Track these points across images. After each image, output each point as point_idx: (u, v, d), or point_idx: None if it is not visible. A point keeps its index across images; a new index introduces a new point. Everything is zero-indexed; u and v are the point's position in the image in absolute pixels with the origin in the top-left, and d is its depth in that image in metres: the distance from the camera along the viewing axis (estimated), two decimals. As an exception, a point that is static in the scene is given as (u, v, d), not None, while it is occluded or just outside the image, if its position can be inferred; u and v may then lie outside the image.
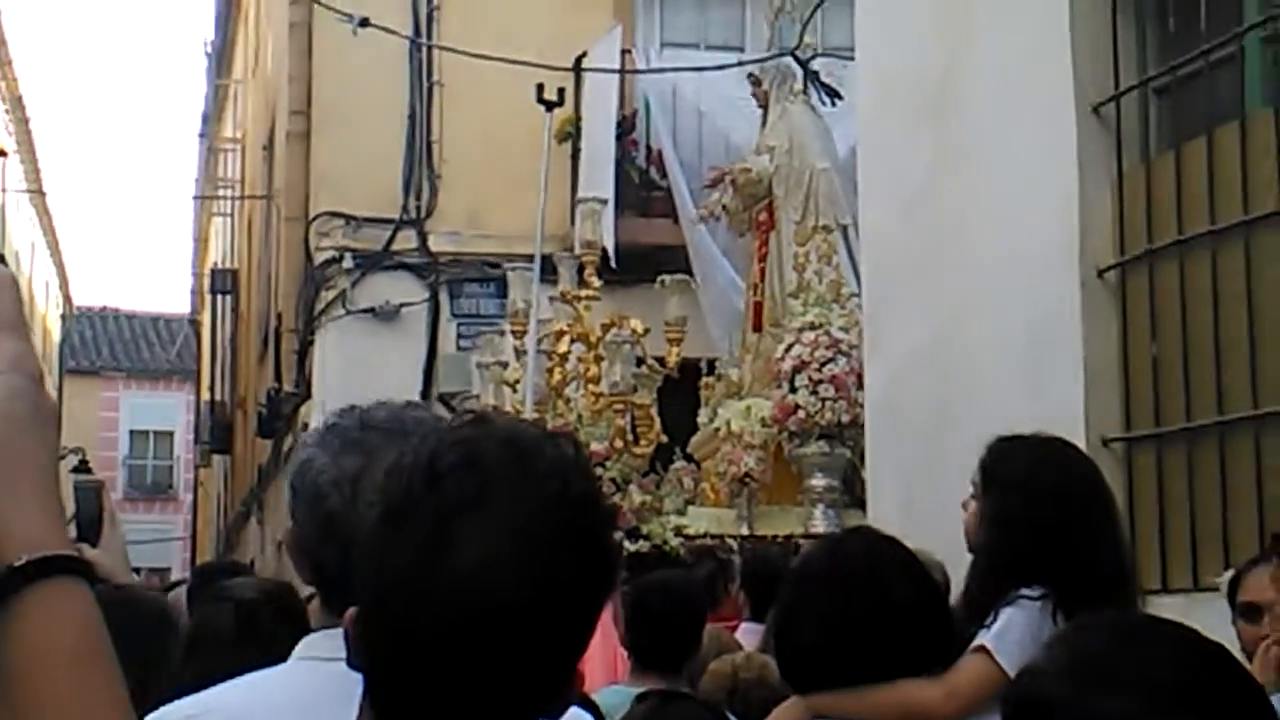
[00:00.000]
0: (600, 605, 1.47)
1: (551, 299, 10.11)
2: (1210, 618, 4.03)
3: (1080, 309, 5.56)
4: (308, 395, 14.36)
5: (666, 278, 9.99)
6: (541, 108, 10.36)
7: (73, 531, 4.30)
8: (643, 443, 9.79)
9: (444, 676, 1.40)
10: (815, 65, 10.47)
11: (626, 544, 9.27)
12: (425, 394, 13.58)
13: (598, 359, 9.87)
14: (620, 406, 9.67)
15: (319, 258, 14.08)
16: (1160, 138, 5.55)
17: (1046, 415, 5.64)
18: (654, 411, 9.82)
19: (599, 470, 9.54)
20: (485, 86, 12.88)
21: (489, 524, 1.39)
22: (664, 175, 12.88)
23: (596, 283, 10.13)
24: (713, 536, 9.35)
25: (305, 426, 14.15)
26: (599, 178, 12.41)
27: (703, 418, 10.27)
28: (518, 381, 10.31)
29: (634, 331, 9.72)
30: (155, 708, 1.99)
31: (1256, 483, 4.90)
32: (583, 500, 1.45)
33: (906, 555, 3.33)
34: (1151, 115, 5.57)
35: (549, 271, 10.15)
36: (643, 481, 9.72)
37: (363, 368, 13.38)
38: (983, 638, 3.31)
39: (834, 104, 10.23)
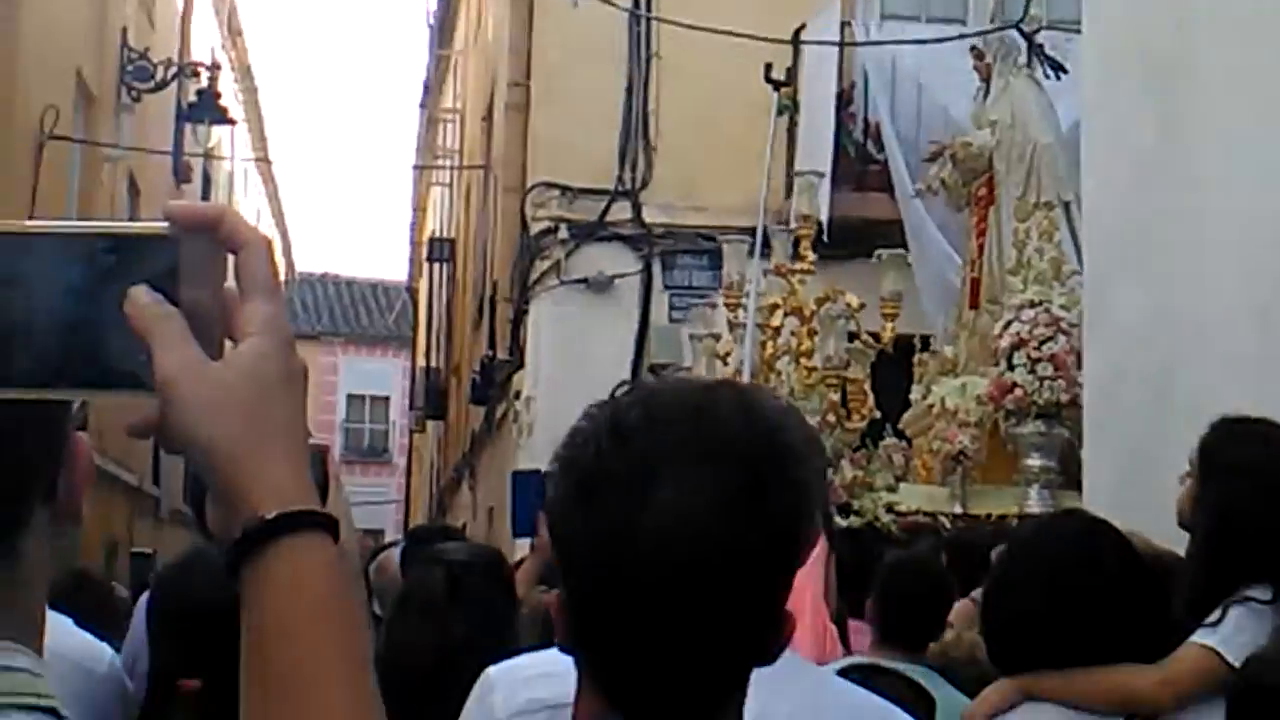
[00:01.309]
0: (802, 537, 1.47)
1: (766, 272, 10.09)
2: None
3: (1318, 279, 5.40)
4: (521, 364, 14.55)
5: (883, 252, 9.89)
6: (761, 82, 10.34)
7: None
8: (855, 418, 9.73)
9: (659, 633, 1.42)
10: (1040, 38, 10.28)
11: (838, 519, 9.23)
12: (636, 365, 13.67)
13: (811, 333, 9.82)
14: (833, 381, 9.62)
15: (535, 228, 14.24)
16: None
17: (1276, 399, 5.50)
18: (867, 386, 9.75)
19: None
20: (703, 59, 12.89)
21: (681, 483, 1.40)
22: (881, 149, 12.77)
23: (811, 256, 10.08)
24: (925, 514, 9.28)
25: (518, 395, 14.36)
26: (817, 151, 12.34)
27: (916, 394, 10.16)
28: (729, 354, 10.32)
29: (848, 306, 9.65)
30: None
31: None
32: (768, 432, 1.46)
33: (1119, 537, 3.28)
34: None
35: (763, 246, 10.13)
36: (855, 456, 9.67)
37: (576, 337, 13.52)
38: (1207, 637, 3.20)
39: (1059, 78, 10.03)
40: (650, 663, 1.43)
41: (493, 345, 16.42)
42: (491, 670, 2.02)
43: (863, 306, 9.75)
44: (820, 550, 6.55)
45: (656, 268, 13.97)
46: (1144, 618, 3.16)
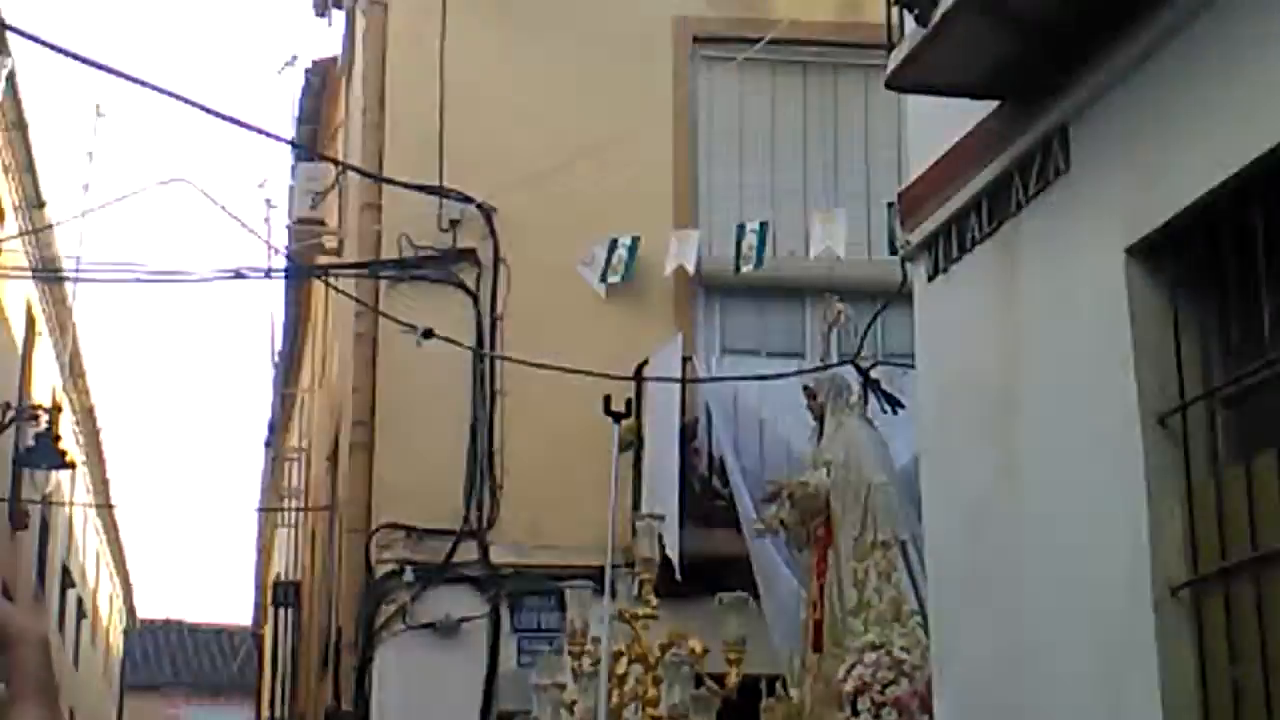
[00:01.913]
0: None
1: (611, 618, 9.94)
2: None
3: (1155, 629, 5.34)
4: (365, 714, 14.07)
5: (725, 595, 9.80)
6: (605, 417, 10.33)
7: None
8: None
9: None
10: (875, 374, 10.43)
11: None
12: (485, 713, 13.30)
13: (656, 680, 9.64)
14: None
15: (380, 570, 13.94)
16: (1229, 449, 5.39)
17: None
18: None
19: None
20: (547, 395, 12.91)
21: None
22: (727, 484, 12.77)
23: (654, 601, 9.95)
24: None
25: (363, 748, 13.85)
26: (663, 489, 12.31)
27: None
28: (574, 703, 10.07)
29: (692, 651, 9.51)
30: None
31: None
32: None
33: None
34: (1219, 426, 5.42)
35: (611, 587, 9.98)
36: None
37: (422, 685, 13.14)
38: None
39: (895, 412, 10.15)
40: None
41: (338, 695, 15.92)
42: None
43: (706, 651, 9.61)
44: None
45: (504, 610, 13.70)
46: None
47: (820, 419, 10.20)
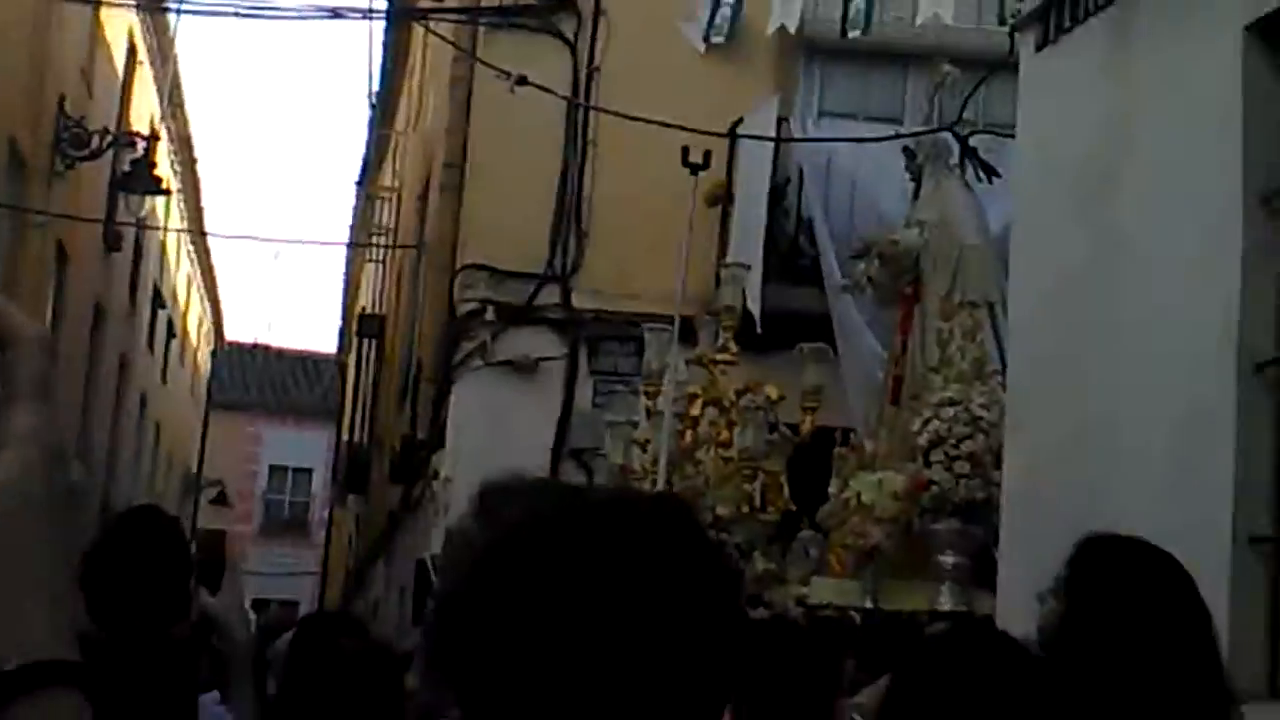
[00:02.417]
0: (733, 670, 1.37)
1: (688, 361, 10.05)
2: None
3: (1235, 404, 5.38)
4: (441, 444, 14.40)
5: (805, 346, 9.86)
6: (697, 171, 10.33)
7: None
8: (770, 510, 9.66)
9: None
10: (974, 142, 10.34)
11: (750, 613, 9.14)
12: (557, 449, 13.57)
13: (730, 423, 9.78)
14: (749, 472, 9.56)
15: (462, 309, 14.14)
16: (1329, 233, 5.36)
17: (1193, 509, 5.47)
18: (783, 479, 9.69)
19: (723, 536, 9.45)
20: (639, 149, 12.89)
21: (602, 608, 1.30)
22: (813, 244, 12.78)
23: (734, 348, 10.05)
24: (836, 608, 9.20)
25: (436, 474, 14.21)
26: (748, 245, 12.34)
27: (834, 488, 10.11)
28: (648, 441, 10.26)
29: (768, 397, 9.62)
30: None
31: None
32: (704, 563, 1.35)
33: (1020, 655, 3.19)
34: (1321, 210, 5.39)
35: (689, 335, 10.09)
36: (768, 549, 9.59)
37: (497, 420, 13.39)
38: None
39: (991, 181, 10.08)
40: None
41: (414, 424, 16.27)
42: None
43: (783, 399, 9.71)
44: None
45: (582, 353, 13.90)
46: None
47: (918, 180, 10.15)
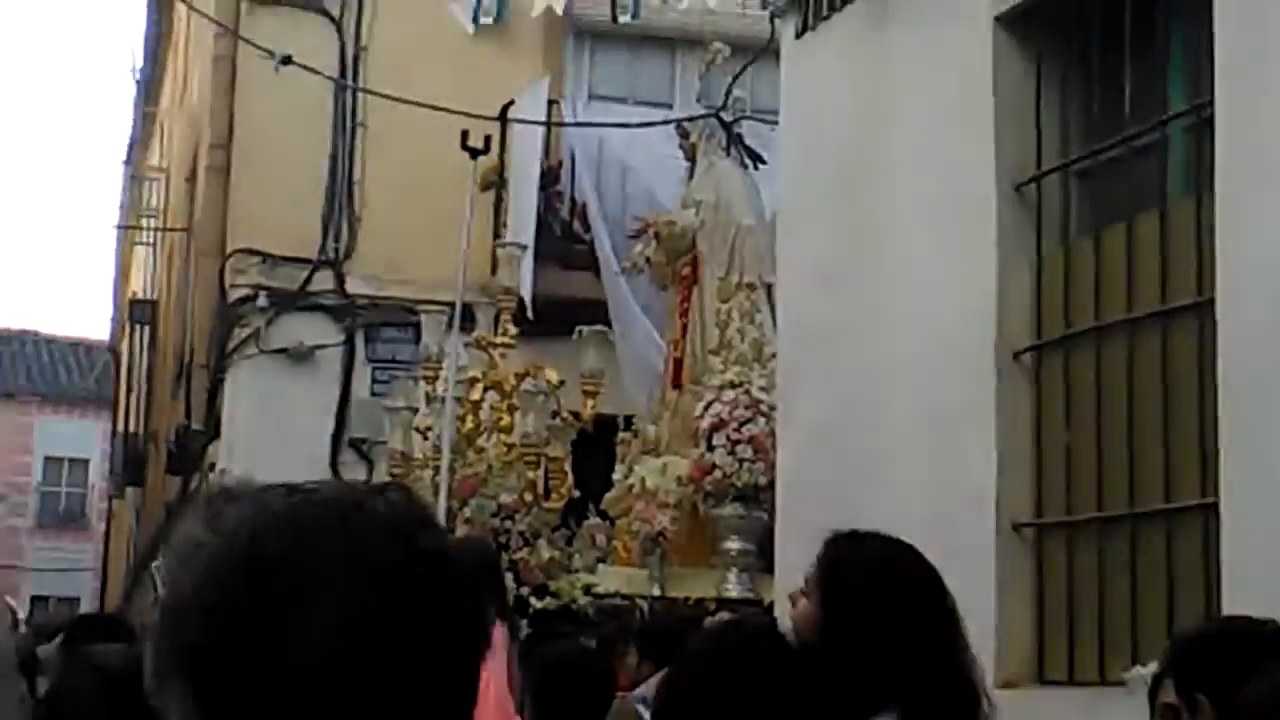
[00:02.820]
0: (477, 665, 1.32)
1: (467, 345, 9.95)
2: (1116, 714, 3.93)
3: (995, 391, 5.47)
4: (216, 434, 14.09)
5: (584, 329, 9.84)
6: (466, 155, 10.21)
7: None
8: (554, 497, 9.63)
9: None
10: (742, 126, 10.37)
11: (534, 601, 9.10)
12: (336, 438, 13.37)
13: (511, 408, 9.71)
14: (532, 458, 9.51)
15: (233, 295, 13.84)
16: (1081, 221, 5.47)
17: (957, 497, 5.56)
18: (567, 465, 9.66)
19: (507, 524, 9.38)
20: (410, 131, 12.71)
21: (334, 607, 1.23)
22: (587, 228, 12.75)
23: (513, 330, 9.98)
24: (623, 596, 9.19)
25: (212, 467, 13.90)
26: (521, 227, 12.26)
27: (618, 474, 10.12)
28: (429, 428, 10.14)
29: (549, 382, 9.58)
30: None
31: (1167, 576, 4.81)
32: (433, 558, 1.29)
33: (789, 653, 3.22)
34: (1073, 198, 5.50)
35: (467, 319, 9.98)
36: (553, 536, 9.55)
37: (274, 409, 13.15)
38: None
39: (757, 167, 10.13)
40: None
41: (189, 414, 15.89)
42: None
43: (563, 384, 9.68)
44: (500, 641, 6.43)
45: (359, 340, 13.70)
46: None
47: (692, 160, 10.17)
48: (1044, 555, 5.39)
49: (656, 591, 9.17)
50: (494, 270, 11.24)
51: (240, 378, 13.75)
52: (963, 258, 5.68)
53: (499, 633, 6.42)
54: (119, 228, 28.86)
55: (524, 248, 11.02)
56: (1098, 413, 5.17)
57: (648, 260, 10.37)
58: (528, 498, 9.50)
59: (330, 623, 1.23)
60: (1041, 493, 5.41)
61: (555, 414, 9.73)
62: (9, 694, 4.28)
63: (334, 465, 13.16)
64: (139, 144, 27.24)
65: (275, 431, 12.79)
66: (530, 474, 9.58)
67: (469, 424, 9.90)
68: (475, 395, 9.96)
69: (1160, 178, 5.05)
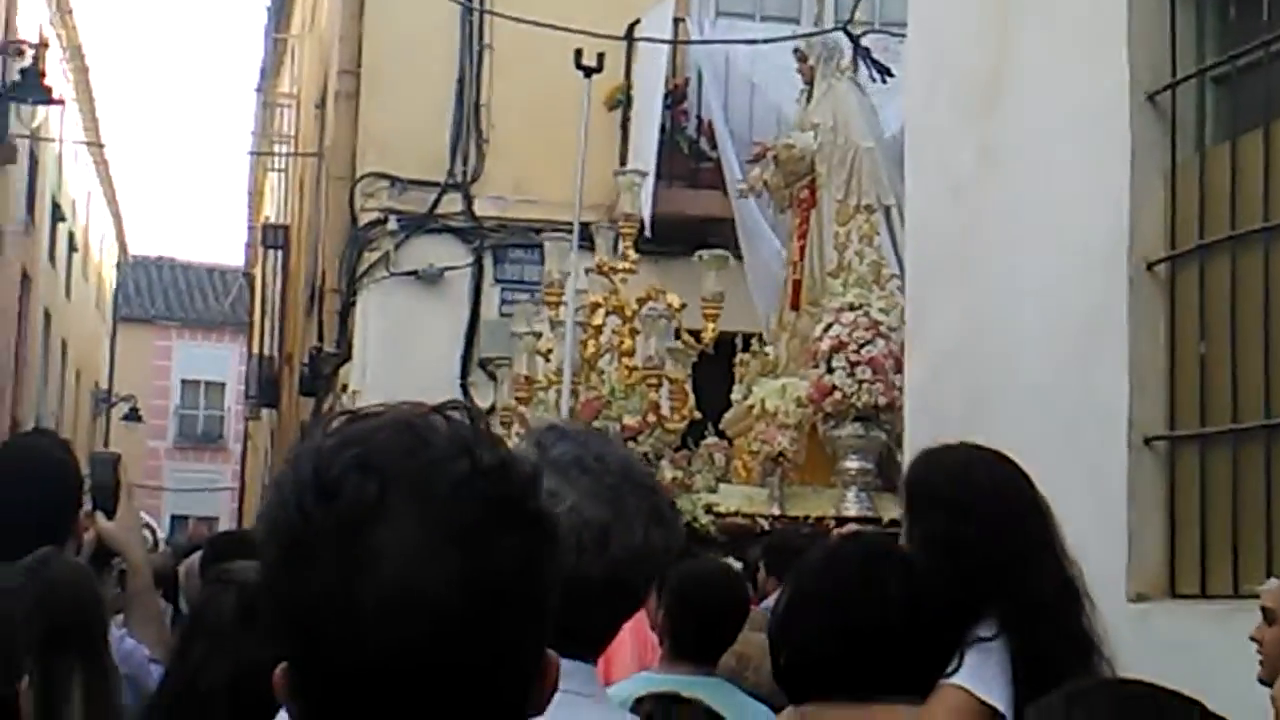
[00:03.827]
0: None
1: (588, 270, 9.99)
2: (1248, 627, 3.88)
3: (1128, 303, 5.39)
4: (348, 356, 14.30)
5: (704, 253, 9.84)
6: (590, 74, 10.21)
7: (88, 502, 4.21)
8: (676, 418, 9.66)
9: (400, 707, 1.24)
10: (866, 41, 10.27)
11: None
12: (466, 359, 13.50)
13: (633, 332, 9.75)
14: (654, 380, 9.55)
15: (364, 218, 14.00)
16: (1216, 129, 5.35)
17: (1089, 412, 5.51)
18: (688, 386, 9.70)
19: (630, 445, 9.44)
20: (536, 52, 12.72)
21: (399, 525, 1.23)
22: (714, 146, 12.70)
23: (633, 255, 9.99)
24: (744, 515, 9.24)
25: (345, 388, 14.11)
26: (643, 146, 12.24)
27: (737, 394, 10.12)
28: (549, 351, 10.20)
29: (669, 306, 9.59)
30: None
31: (1303, 489, 4.74)
32: (496, 470, 1.29)
33: (905, 566, 3.24)
34: (1208, 105, 5.38)
35: (585, 242, 10.00)
36: (675, 457, 9.60)
37: (404, 330, 13.31)
38: (954, 680, 3.14)
39: (885, 81, 10.03)
40: None
41: (321, 336, 16.13)
42: None
43: (684, 306, 9.69)
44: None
45: (488, 261, 13.81)
46: (924, 645, 3.12)
47: (810, 83, 10.09)
48: (1176, 469, 5.32)
49: (776, 510, 9.20)
50: (620, 191, 11.25)
51: (371, 300, 13.92)
52: (1095, 169, 5.59)
53: None
54: (252, 154, 29.29)
55: (643, 175, 10.94)
56: (1232, 324, 5.08)
57: (765, 184, 10.32)
58: (650, 419, 9.54)
59: (396, 540, 1.23)
60: (1174, 406, 5.33)
61: (676, 335, 9.76)
62: (150, 610, 4.38)
63: (464, 386, 13.31)
64: (270, 71, 27.53)
65: (406, 353, 12.94)
66: (652, 396, 9.63)
67: (590, 348, 9.95)
68: (597, 320, 10.00)
69: (1299, 83, 4.93)
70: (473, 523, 1.25)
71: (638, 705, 3.85)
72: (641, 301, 9.68)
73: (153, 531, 14.50)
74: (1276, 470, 4.87)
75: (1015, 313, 6.07)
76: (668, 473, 9.39)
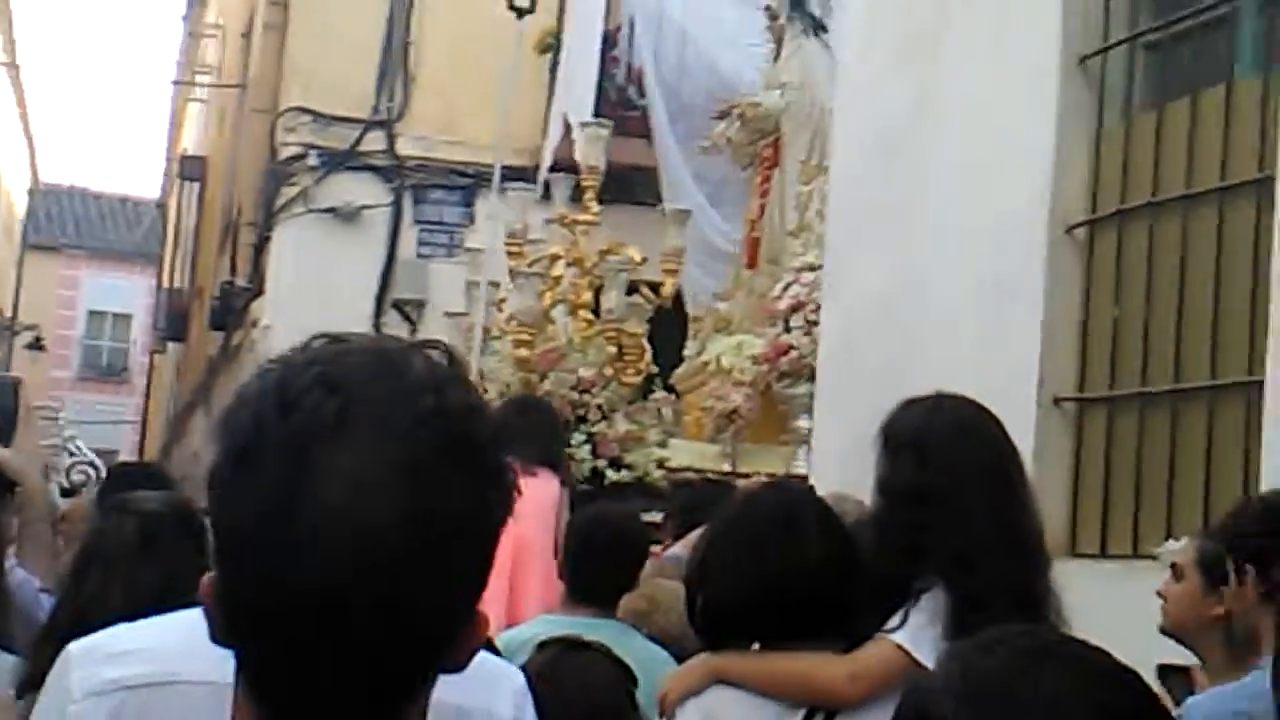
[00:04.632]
0: (496, 532, 1.27)
1: (548, 221, 9.90)
2: (1147, 585, 3.94)
3: (1045, 265, 5.43)
4: (261, 291, 14.17)
5: (667, 207, 9.77)
6: (527, 19, 10.14)
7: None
8: (631, 372, 9.62)
9: (323, 634, 1.20)
10: (805, -4, 10.24)
11: (610, 473, 9.17)
12: (380, 299, 13.42)
13: (592, 285, 9.68)
14: (612, 334, 9.50)
15: (284, 153, 13.85)
16: (1145, 96, 5.40)
17: (1001, 370, 5.54)
18: (644, 341, 9.68)
19: (585, 397, 9.39)
20: (466, -8, 12.64)
21: (355, 449, 1.19)
22: (642, 95, 12.65)
23: (596, 208, 9.91)
24: (695, 471, 9.20)
25: (255, 323, 13.99)
26: (580, 94, 12.16)
27: (689, 350, 10.10)
28: (503, 301, 10.14)
29: (630, 259, 9.57)
30: None
31: (1206, 454, 4.80)
32: (462, 413, 1.25)
33: (823, 511, 3.23)
34: (1138, 72, 5.42)
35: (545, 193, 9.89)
36: (629, 410, 9.56)
37: (318, 267, 13.21)
38: (894, 633, 3.11)
39: (819, 36, 10.01)
40: (308, 666, 1.22)
41: (234, 271, 15.98)
42: (73, 647, 1.80)
43: (645, 260, 9.67)
44: (556, 501, 6.45)
45: (407, 202, 13.71)
46: (844, 593, 3.13)
47: (779, 41, 10.06)
48: (1084, 430, 5.38)
49: (727, 467, 9.19)
50: (544, 135, 11.19)
51: (287, 236, 13.80)
52: (1022, 130, 5.62)
53: (554, 493, 6.46)
54: (175, 83, 28.90)
55: (609, 125, 10.77)
56: (1148, 290, 5.14)
57: (729, 140, 10.28)
58: (607, 372, 9.50)
59: (348, 464, 1.20)
60: (1085, 368, 5.39)
61: (633, 289, 9.73)
62: (42, 539, 4.31)
63: (377, 325, 13.24)
64: (197, 0, 27.17)
65: (320, 290, 12.85)
66: (610, 349, 9.57)
67: (547, 299, 9.88)
68: (557, 271, 9.94)
69: (1229, 53, 4.98)
70: (428, 458, 1.22)
71: (541, 649, 3.84)
72: (602, 254, 9.62)
73: (95, 469, 14.30)
74: (1181, 434, 4.94)
75: (934, 269, 6.10)
76: (621, 426, 9.35)
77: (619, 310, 9.47)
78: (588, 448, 9.14)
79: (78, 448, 16.34)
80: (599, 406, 9.40)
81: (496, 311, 10.25)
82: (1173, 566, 3.79)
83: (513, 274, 10.06)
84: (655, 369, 9.82)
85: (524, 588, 6.12)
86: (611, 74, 12.95)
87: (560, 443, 7.13)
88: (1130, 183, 5.24)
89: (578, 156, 10.36)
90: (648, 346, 9.68)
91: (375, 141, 13.75)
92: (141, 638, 1.77)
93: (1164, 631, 3.71)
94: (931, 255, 6.14)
